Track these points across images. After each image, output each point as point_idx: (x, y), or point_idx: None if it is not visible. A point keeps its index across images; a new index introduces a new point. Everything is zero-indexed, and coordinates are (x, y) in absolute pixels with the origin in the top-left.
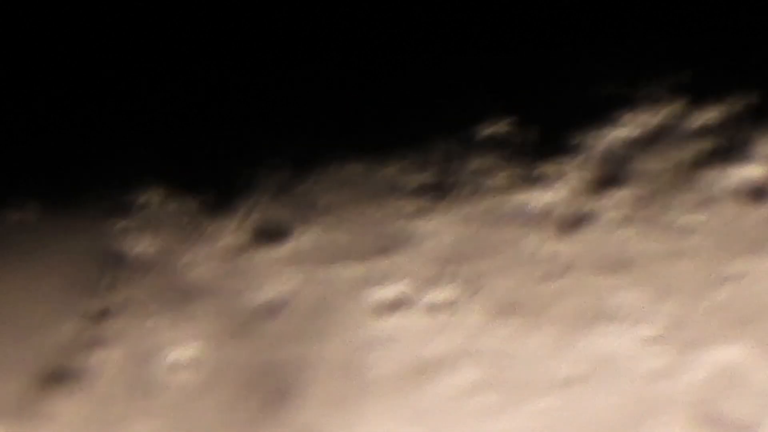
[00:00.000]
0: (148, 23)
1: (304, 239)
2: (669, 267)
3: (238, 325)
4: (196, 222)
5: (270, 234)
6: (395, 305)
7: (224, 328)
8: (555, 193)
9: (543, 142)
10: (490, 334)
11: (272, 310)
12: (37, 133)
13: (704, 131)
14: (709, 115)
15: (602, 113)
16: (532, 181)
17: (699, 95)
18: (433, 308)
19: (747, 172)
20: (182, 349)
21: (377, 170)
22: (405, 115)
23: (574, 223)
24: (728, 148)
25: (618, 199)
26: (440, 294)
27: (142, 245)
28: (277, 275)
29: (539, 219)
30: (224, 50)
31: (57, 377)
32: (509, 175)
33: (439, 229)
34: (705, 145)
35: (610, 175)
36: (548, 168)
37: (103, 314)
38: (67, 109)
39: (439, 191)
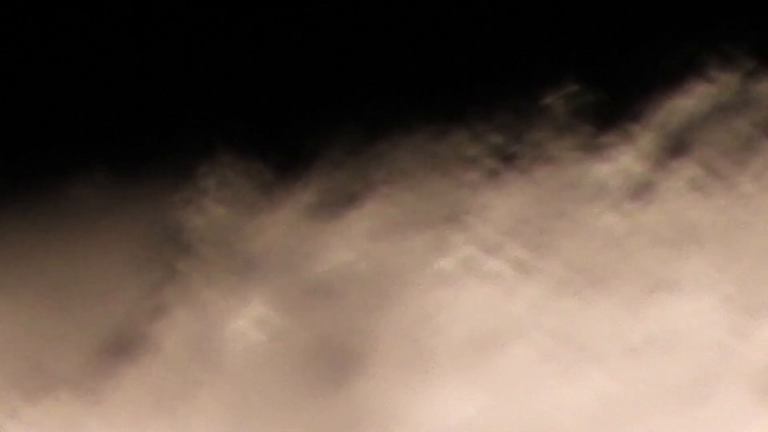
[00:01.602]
0: None
1: (370, 207)
2: (733, 234)
3: (303, 292)
4: (263, 189)
5: (336, 202)
6: (461, 273)
7: (290, 295)
8: (621, 161)
9: (609, 111)
10: (557, 301)
11: (338, 277)
12: (105, 101)
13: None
14: None
15: (667, 82)
16: (598, 149)
17: (761, 63)
18: (499, 276)
19: None
20: (248, 316)
21: (443, 138)
22: (473, 83)
23: (639, 191)
24: None
25: (682, 168)
26: (506, 262)
27: (208, 211)
28: (343, 242)
29: (605, 187)
30: (290, 16)
31: (122, 344)
32: (575, 144)
33: (505, 196)
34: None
35: (675, 144)
36: (614, 137)
37: (169, 281)
38: (133, 77)
39: (505, 159)
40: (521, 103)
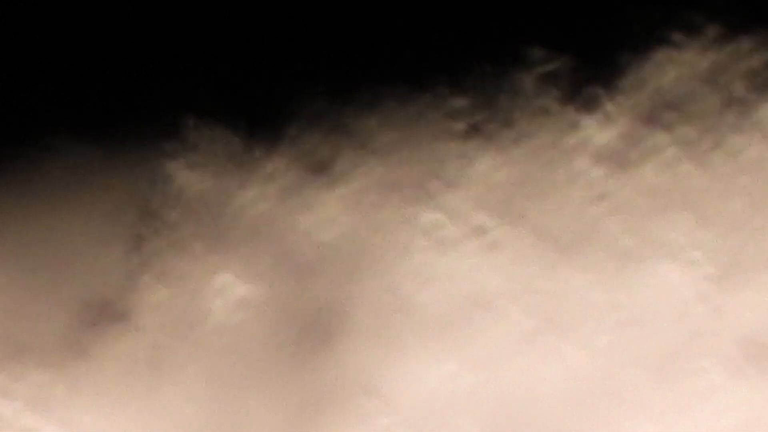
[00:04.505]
0: None
1: (350, 175)
2: (718, 200)
3: (284, 261)
4: (236, 159)
5: (316, 170)
6: (431, 243)
7: (271, 263)
8: (605, 127)
9: (594, 77)
10: (539, 269)
11: (310, 246)
12: (87, 64)
13: (755, 66)
14: (760, 51)
15: (637, 50)
16: (566, 117)
17: (751, 31)
18: (480, 244)
19: None
20: (220, 286)
21: (411, 105)
22: (440, 50)
23: (624, 157)
24: None
25: (652, 136)
26: (476, 232)
27: (182, 181)
28: (324, 211)
29: (583, 153)
30: None
31: (103, 312)
32: (544, 112)
33: (475, 164)
34: (754, 80)
35: (644, 112)
36: (598, 103)
37: (143, 251)
38: (117, 40)
39: (474, 125)
40: (500, 71)
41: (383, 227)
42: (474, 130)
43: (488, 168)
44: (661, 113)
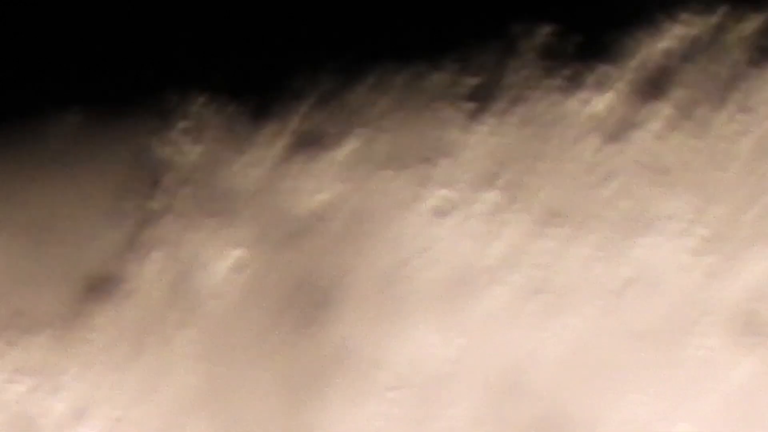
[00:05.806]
0: None
1: (347, 147)
2: (709, 176)
3: (280, 234)
4: (240, 128)
5: (313, 142)
6: (439, 214)
7: (267, 237)
8: (599, 100)
9: (587, 49)
10: (535, 241)
11: (315, 218)
12: (80, 41)
13: (747, 37)
14: (751, 23)
15: (647, 20)
16: (576, 88)
17: (736, 4)
18: (478, 216)
19: None
20: (224, 258)
21: (420, 77)
22: (447, 21)
23: (618, 130)
24: None
25: (659, 110)
26: (485, 202)
27: (185, 152)
28: (320, 183)
29: (583, 126)
30: None
31: (100, 286)
32: (551, 86)
33: (483, 136)
34: (748, 50)
35: (652, 86)
36: (592, 75)
37: (146, 222)
38: (108, 17)
39: (482, 98)
40: (495, 44)
41: (387, 200)
42: (481, 105)
43: (495, 143)
44: (669, 87)
